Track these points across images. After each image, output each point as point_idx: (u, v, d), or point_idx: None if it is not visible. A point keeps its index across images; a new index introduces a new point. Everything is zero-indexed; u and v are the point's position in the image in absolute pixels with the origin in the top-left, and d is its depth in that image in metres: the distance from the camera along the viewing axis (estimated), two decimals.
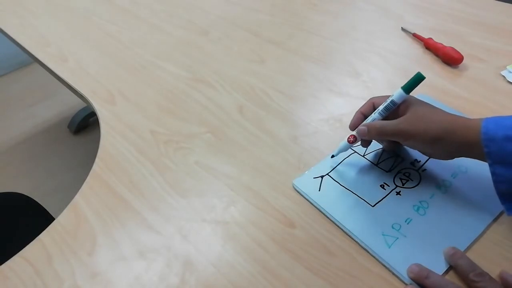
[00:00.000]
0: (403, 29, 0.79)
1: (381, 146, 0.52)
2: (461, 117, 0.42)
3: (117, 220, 0.46)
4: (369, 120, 0.47)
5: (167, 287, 0.40)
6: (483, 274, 0.37)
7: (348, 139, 0.48)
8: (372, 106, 0.48)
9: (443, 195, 0.46)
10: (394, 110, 0.45)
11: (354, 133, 0.48)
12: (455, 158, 0.44)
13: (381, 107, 0.46)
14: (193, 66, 0.72)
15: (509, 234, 0.42)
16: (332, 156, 0.50)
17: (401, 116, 0.44)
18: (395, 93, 0.45)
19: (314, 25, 0.82)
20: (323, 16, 0.85)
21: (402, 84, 0.44)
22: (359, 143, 0.49)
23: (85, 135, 1.56)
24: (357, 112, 0.49)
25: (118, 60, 0.75)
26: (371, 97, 0.49)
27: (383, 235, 0.42)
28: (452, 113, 0.56)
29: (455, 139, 0.41)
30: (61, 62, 0.75)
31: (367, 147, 0.50)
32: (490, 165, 0.39)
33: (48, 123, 1.63)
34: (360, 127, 0.47)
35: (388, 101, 0.45)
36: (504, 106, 0.59)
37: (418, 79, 0.44)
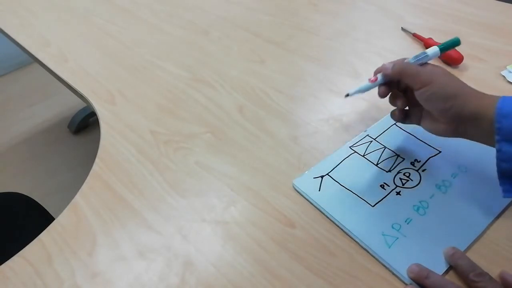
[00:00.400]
0: (403, 29, 0.79)
1: (381, 146, 0.52)
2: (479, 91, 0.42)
3: (117, 220, 0.46)
4: None
5: (167, 287, 0.40)
6: (483, 274, 0.37)
7: (370, 78, 0.49)
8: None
9: (443, 195, 0.46)
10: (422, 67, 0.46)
11: (378, 76, 0.49)
12: (455, 161, 0.44)
13: (412, 56, 0.48)
14: (193, 66, 0.72)
15: (509, 234, 0.42)
16: (347, 95, 0.51)
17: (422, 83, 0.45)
18: (430, 48, 0.47)
19: (314, 25, 0.82)
20: (323, 16, 0.85)
21: None
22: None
23: (85, 135, 1.56)
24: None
25: (118, 60, 0.75)
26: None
27: (383, 235, 0.42)
28: None
29: (469, 104, 0.41)
30: (61, 62, 0.75)
31: (383, 96, 0.49)
32: (497, 142, 0.39)
33: (48, 123, 1.63)
34: (386, 63, 0.48)
35: (422, 52, 0.47)
36: None
37: (455, 42, 0.48)
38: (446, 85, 0.42)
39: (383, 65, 0.49)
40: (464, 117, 0.41)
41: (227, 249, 0.43)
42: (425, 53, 0.47)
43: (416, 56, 0.47)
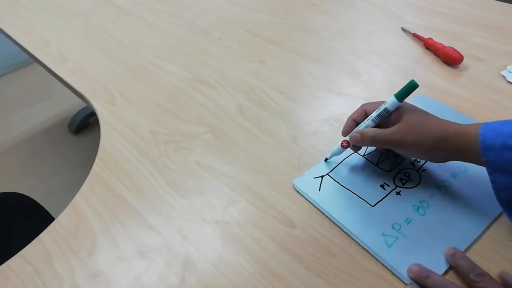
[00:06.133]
0: (403, 29, 0.79)
1: None
2: (454, 124, 0.42)
3: (117, 220, 0.46)
4: (362, 126, 0.47)
5: (167, 287, 0.40)
6: (483, 274, 0.37)
7: (341, 144, 0.48)
8: (364, 113, 0.48)
9: (443, 195, 0.46)
10: (387, 117, 0.45)
11: (347, 138, 0.48)
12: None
13: (374, 114, 0.46)
14: (193, 66, 0.72)
15: (509, 234, 0.42)
16: (326, 160, 0.50)
17: (393, 123, 0.44)
18: (388, 100, 0.45)
19: (314, 25, 0.82)
20: (323, 16, 0.85)
21: (401, 86, 0.44)
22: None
23: (85, 135, 1.56)
24: (348, 118, 0.49)
25: (118, 60, 0.75)
26: (368, 98, 0.50)
27: (383, 235, 0.42)
28: (452, 113, 0.57)
29: (449, 147, 0.41)
30: (61, 62, 0.75)
31: (357, 151, 0.50)
32: (489, 173, 0.39)
33: (48, 123, 1.63)
34: (354, 133, 0.47)
35: (382, 108, 0.45)
36: (504, 106, 0.59)
37: (411, 87, 0.43)
38: (419, 141, 0.42)
39: (351, 135, 0.47)
40: (451, 156, 0.43)
41: (227, 249, 0.43)
42: (386, 108, 0.44)
43: (379, 115, 0.45)
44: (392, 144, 0.44)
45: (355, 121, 0.48)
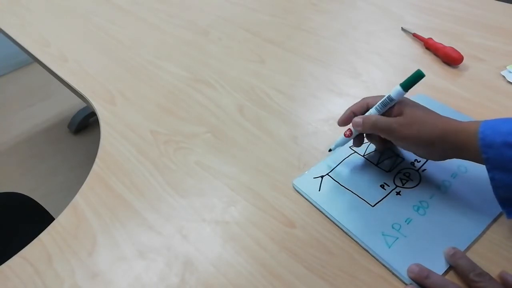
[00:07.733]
0: (403, 29, 0.79)
1: None
2: (455, 121, 0.42)
3: (117, 220, 0.46)
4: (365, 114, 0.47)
5: (167, 287, 0.40)
6: (483, 274, 0.37)
7: (344, 133, 0.49)
8: (365, 105, 0.48)
9: (443, 195, 0.46)
10: (389, 110, 0.45)
11: (350, 127, 0.48)
12: (454, 159, 0.44)
13: (378, 103, 0.46)
14: (193, 66, 0.72)
15: (509, 234, 0.42)
16: (330, 150, 0.51)
17: (395, 117, 0.44)
18: (393, 89, 0.45)
19: (314, 25, 0.82)
20: (323, 16, 0.85)
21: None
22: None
23: (85, 135, 1.56)
24: (348, 109, 0.49)
25: (118, 60, 0.75)
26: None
27: (383, 235, 0.42)
28: (452, 113, 0.57)
29: (448, 144, 0.41)
30: (61, 62, 0.75)
31: (358, 146, 0.50)
32: (488, 171, 0.39)
33: (48, 123, 1.63)
34: (356, 119, 0.47)
35: (386, 96, 0.45)
36: (505, 106, 0.59)
37: (417, 76, 0.43)
38: (419, 135, 0.42)
39: (353, 120, 0.47)
40: (450, 153, 0.43)
41: (227, 249, 0.43)
42: (390, 96, 0.44)
43: (383, 104, 0.45)
44: (392, 133, 0.44)
45: (353, 113, 0.48)
